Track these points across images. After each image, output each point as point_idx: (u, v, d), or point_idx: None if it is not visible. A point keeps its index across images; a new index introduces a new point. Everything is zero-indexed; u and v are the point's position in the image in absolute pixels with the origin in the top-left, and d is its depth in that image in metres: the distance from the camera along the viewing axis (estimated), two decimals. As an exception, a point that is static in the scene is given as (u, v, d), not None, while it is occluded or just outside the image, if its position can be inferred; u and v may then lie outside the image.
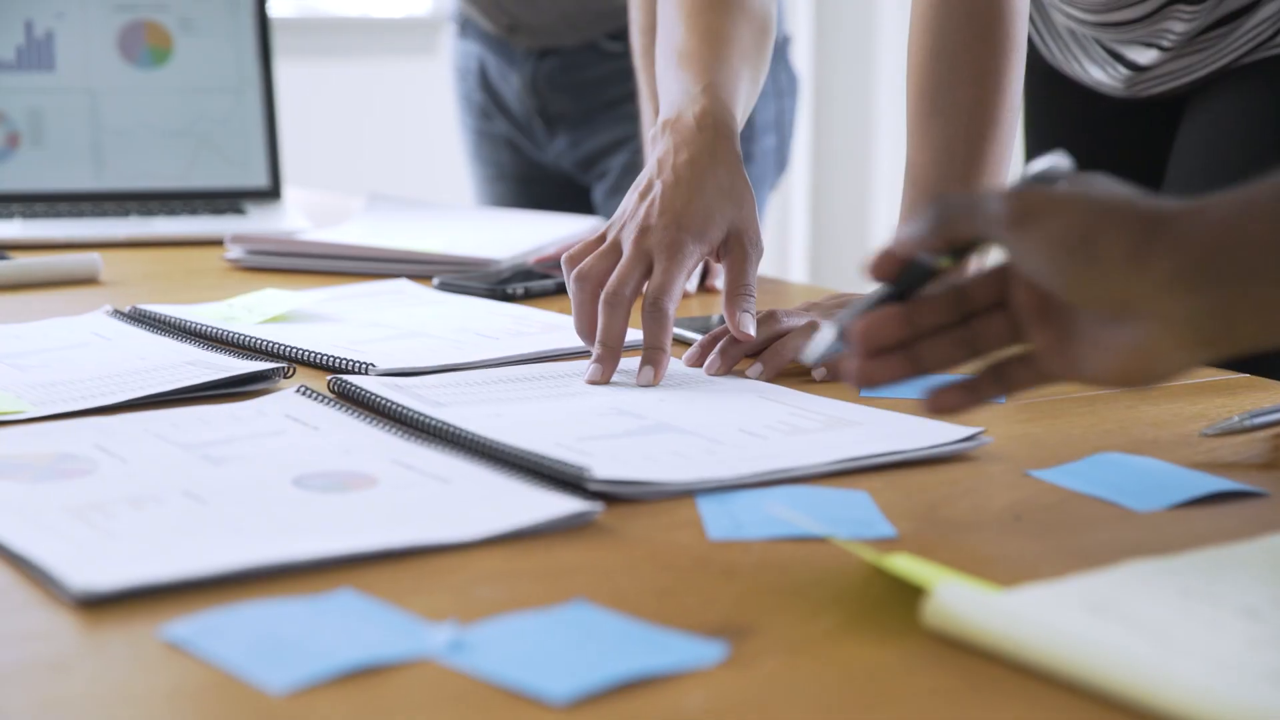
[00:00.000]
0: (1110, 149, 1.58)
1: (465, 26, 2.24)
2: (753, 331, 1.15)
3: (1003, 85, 1.21)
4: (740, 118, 1.23)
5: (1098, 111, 1.58)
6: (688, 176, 1.16)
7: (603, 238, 1.17)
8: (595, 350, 1.12)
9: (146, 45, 2.03)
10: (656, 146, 1.19)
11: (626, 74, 2.06)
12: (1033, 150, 1.66)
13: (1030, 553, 0.79)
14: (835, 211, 4.43)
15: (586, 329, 1.14)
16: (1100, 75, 1.53)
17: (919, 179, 1.24)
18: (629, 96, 2.09)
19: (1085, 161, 1.59)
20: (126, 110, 2.01)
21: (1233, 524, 0.83)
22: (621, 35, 2.08)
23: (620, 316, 1.12)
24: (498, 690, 0.62)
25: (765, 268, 4.68)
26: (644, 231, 1.14)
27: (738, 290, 1.16)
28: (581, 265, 1.15)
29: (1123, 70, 1.49)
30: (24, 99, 1.98)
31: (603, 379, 1.11)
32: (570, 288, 1.15)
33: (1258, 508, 0.86)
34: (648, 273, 1.13)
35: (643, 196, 1.16)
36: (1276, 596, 0.70)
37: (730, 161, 1.17)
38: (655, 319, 1.11)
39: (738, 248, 1.17)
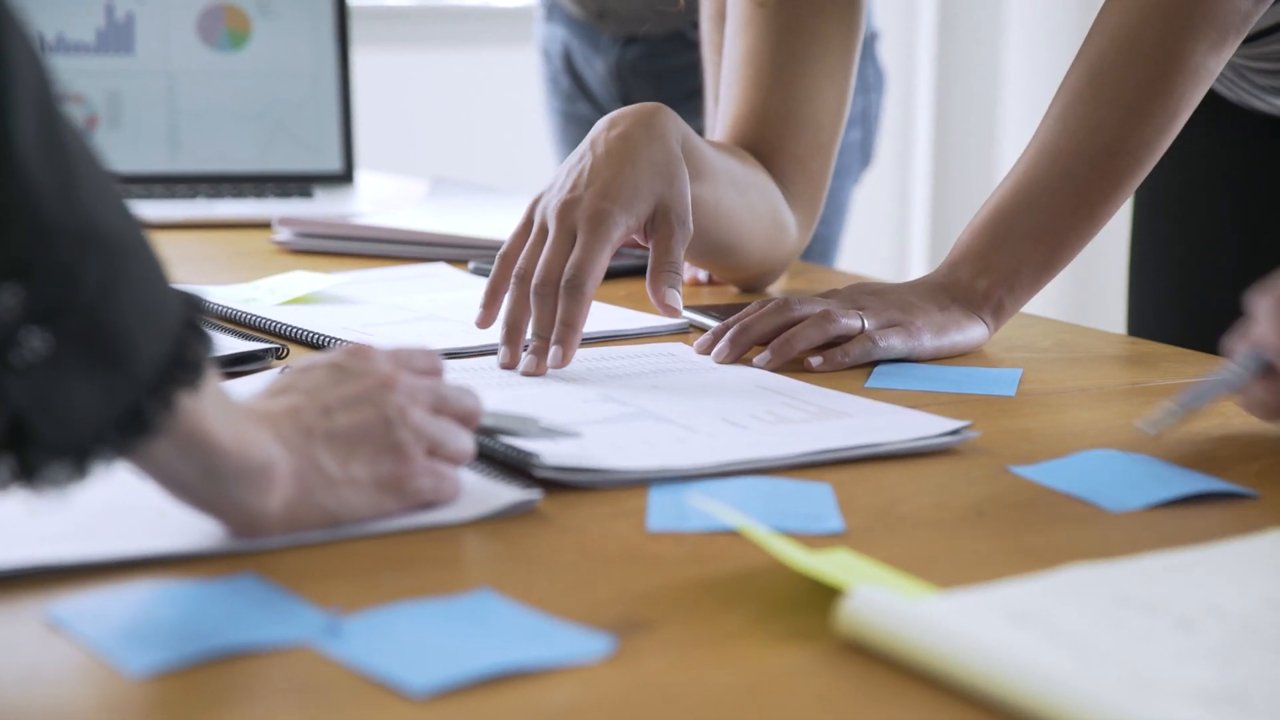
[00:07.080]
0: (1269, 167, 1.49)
1: (552, 10, 2.22)
2: (679, 308, 1.13)
3: (1139, 136, 1.14)
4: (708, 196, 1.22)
5: (1261, 131, 1.47)
6: (619, 149, 1.13)
7: (529, 224, 1.14)
8: (532, 342, 1.08)
9: (225, 28, 2.03)
10: (593, 130, 1.16)
11: (711, 63, 2.03)
12: (1188, 169, 1.53)
13: (981, 552, 0.75)
14: (957, 212, 4.33)
15: (519, 324, 1.09)
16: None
17: (1016, 177, 1.18)
18: (710, 86, 2.06)
19: (1240, 181, 1.49)
20: (203, 93, 2.02)
21: (1207, 526, 0.78)
22: (707, 24, 2.04)
23: (550, 306, 1.08)
24: (363, 680, 0.60)
25: (883, 268, 4.54)
26: (569, 205, 1.11)
27: (663, 266, 1.13)
28: (519, 264, 1.11)
29: None
30: (103, 82, 2.00)
31: (539, 370, 1.07)
32: (511, 290, 1.11)
33: (1241, 510, 0.81)
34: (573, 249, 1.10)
35: (570, 170, 1.14)
36: (1217, 605, 0.65)
37: (665, 137, 1.15)
38: (570, 297, 1.07)
39: (664, 224, 1.14)
